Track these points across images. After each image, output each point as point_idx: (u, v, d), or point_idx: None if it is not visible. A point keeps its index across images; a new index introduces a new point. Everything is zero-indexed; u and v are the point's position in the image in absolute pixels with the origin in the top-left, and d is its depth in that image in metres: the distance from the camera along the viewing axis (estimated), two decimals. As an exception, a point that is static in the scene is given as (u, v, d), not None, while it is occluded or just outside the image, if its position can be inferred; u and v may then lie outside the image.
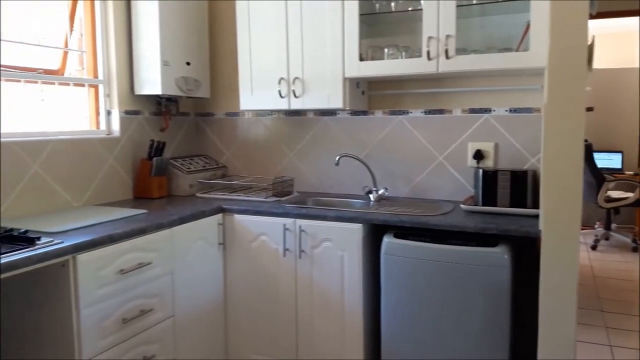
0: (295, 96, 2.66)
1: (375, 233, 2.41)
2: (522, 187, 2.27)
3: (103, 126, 2.75)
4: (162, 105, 3.00)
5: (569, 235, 1.84)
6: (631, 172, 6.05)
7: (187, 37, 2.89)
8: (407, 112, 2.76)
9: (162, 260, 2.20)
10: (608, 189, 5.12)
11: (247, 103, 2.79)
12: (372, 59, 2.60)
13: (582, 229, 1.78)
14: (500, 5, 2.34)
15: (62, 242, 1.78)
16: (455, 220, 2.16)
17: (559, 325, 1.88)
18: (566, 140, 1.82)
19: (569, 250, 1.85)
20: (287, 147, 3.08)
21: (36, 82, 2.40)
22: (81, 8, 2.66)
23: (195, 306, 2.42)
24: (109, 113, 2.76)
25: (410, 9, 2.48)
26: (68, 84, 2.58)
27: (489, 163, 2.58)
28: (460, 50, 2.37)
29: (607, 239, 5.63)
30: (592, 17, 1.88)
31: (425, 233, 2.21)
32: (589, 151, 4.92)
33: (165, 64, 2.74)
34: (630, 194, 5.21)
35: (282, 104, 2.69)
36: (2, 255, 1.59)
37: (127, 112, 2.81)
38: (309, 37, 2.59)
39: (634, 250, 5.33)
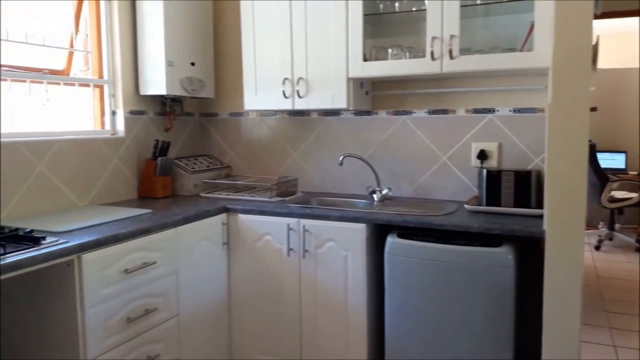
0: (299, 96, 2.66)
1: (379, 233, 2.41)
2: (526, 187, 2.27)
3: (108, 126, 2.76)
4: (166, 106, 3.01)
5: (573, 236, 1.84)
6: (635, 172, 6.04)
7: (191, 37, 2.90)
8: (411, 112, 2.76)
9: (166, 260, 2.21)
10: (612, 189, 5.12)
11: (251, 103, 2.80)
12: (376, 59, 2.60)
13: (586, 229, 1.78)
14: (505, 5, 2.34)
15: (67, 242, 1.78)
16: (459, 220, 2.16)
17: (564, 326, 1.87)
18: (570, 141, 1.82)
19: (573, 251, 1.84)
20: (291, 147, 3.08)
21: (42, 83, 2.41)
22: (86, 8, 2.67)
23: (199, 306, 2.42)
24: (113, 113, 2.77)
25: (414, 9, 2.48)
26: (73, 84, 2.59)
27: (492, 163, 2.58)
28: (464, 51, 2.37)
29: (610, 239, 5.62)
30: (596, 17, 1.88)
31: (429, 233, 2.21)
32: (592, 151, 4.91)
33: (170, 64, 2.75)
34: (633, 194, 5.20)
35: (286, 104, 2.70)
36: (7, 255, 1.60)
37: (132, 112, 2.82)
38: (313, 37, 2.59)
39: (638, 250, 5.31)
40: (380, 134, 2.84)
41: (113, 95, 2.77)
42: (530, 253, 2.30)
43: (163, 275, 2.19)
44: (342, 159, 2.71)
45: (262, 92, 2.76)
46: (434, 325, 2.18)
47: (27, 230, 1.87)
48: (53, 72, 2.49)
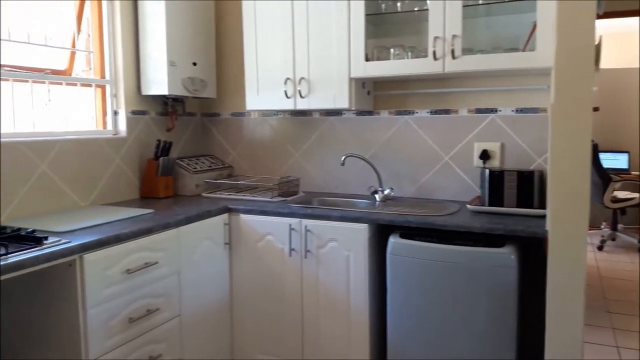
0: (301, 96, 2.66)
1: (381, 233, 2.41)
2: (529, 187, 2.26)
3: (110, 126, 2.76)
4: (168, 106, 3.01)
5: (576, 236, 1.83)
6: (637, 173, 6.02)
7: (193, 37, 2.90)
8: (413, 112, 2.76)
9: (168, 260, 2.21)
10: (614, 190, 5.10)
11: (253, 103, 2.79)
12: (378, 59, 2.60)
13: (589, 230, 1.77)
14: (507, 5, 2.33)
15: (69, 242, 1.78)
16: (461, 220, 2.15)
17: (566, 326, 1.87)
18: (573, 141, 1.81)
19: (576, 251, 1.84)
20: (292, 147, 3.08)
21: (44, 83, 2.42)
22: (88, 8, 2.67)
23: (201, 306, 2.42)
24: (115, 113, 2.78)
25: (416, 9, 2.47)
26: (75, 84, 2.59)
27: (495, 163, 2.57)
28: (467, 51, 2.36)
29: (613, 239, 5.60)
30: (599, 17, 1.88)
31: (431, 233, 2.20)
32: (595, 151, 4.90)
33: (171, 64, 2.75)
34: (636, 195, 5.19)
35: (288, 104, 2.70)
36: (9, 255, 1.60)
37: (134, 112, 2.82)
38: (315, 37, 2.59)
39: (641, 250, 5.30)
40: (382, 134, 2.83)
41: (115, 95, 2.77)
42: (533, 253, 2.30)
43: (165, 275, 2.19)
44: (344, 159, 2.71)
45: (264, 92, 2.76)
46: (436, 325, 2.18)
47: (29, 230, 1.87)
48: (55, 72, 2.49)
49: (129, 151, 2.78)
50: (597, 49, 1.86)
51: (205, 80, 3.01)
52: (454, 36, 2.28)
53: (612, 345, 3.10)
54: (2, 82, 2.24)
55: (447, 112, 2.68)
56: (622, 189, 5.45)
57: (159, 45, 2.73)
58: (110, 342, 1.92)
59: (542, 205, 2.24)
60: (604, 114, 6.35)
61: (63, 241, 1.79)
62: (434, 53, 2.32)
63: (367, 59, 2.50)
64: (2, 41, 2.23)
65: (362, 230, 2.30)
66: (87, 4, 2.66)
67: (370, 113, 2.86)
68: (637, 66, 6.24)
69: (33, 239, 1.75)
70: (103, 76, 2.74)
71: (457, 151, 2.66)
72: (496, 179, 2.31)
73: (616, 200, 5.12)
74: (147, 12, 2.75)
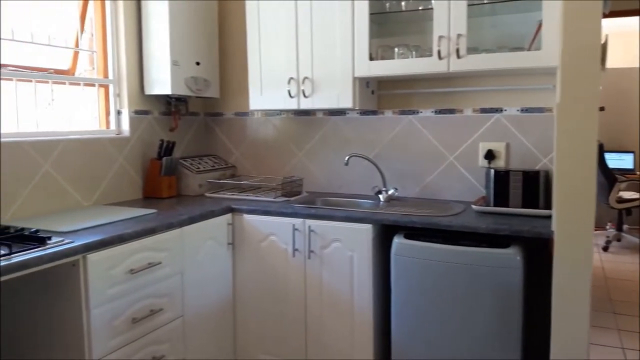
0: (304, 96, 2.65)
1: (385, 233, 2.40)
2: (534, 187, 2.24)
3: (113, 126, 2.76)
4: (171, 105, 3.00)
5: (582, 236, 1.82)
6: (643, 173, 5.99)
7: (196, 37, 2.89)
8: (417, 112, 2.74)
9: (171, 260, 2.20)
10: (620, 190, 5.07)
11: (257, 103, 2.79)
12: (382, 58, 2.59)
13: (594, 230, 1.76)
14: (512, 4, 2.32)
15: (72, 242, 1.78)
16: (466, 221, 2.14)
17: (572, 327, 1.85)
18: (579, 140, 1.80)
19: (583, 252, 1.82)
20: (296, 147, 3.07)
21: (47, 82, 2.41)
22: (92, 8, 2.67)
23: (204, 306, 2.41)
24: (119, 113, 2.77)
25: (420, 8, 2.46)
26: (79, 84, 2.59)
27: (500, 163, 2.55)
28: (472, 50, 2.35)
29: (618, 240, 5.58)
30: (605, 16, 1.86)
31: (435, 234, 2.19)
32: (600, 151, 4.88)
33: (175, 63, 2.74)
34: (642, 195, 5.16)
35: (292, 104, 2.69)
36: (13, 255, 1.60)
37: (137, 112, 2.81)
38: (319, 36, 2.58)
39: (646, 251, 5.27)
40: (386, 134, 2.82)
41: (118, 95, 2.77)
42: (538, 254, 2.28)
43: (168, 275, 2.18)
44: (348, 158, 2.70)
45: (267, 91, 2.75)
46: (441, 326, 2.16)
47: (32, 230, 1.87)
48: (58, 72, 2.49)
49: (132, 151, 2.78)
50: (603, 48, 1.85)
51: (209, 80, 3.00)
52: (458, 35, 2.26)
53: (618, 347, 3.08)
54: (6, 81, 2.24)
55: (451, 111, 2.67)
56: (627, 189, 5.43)
57: (162, 45, 2.73)
58: (114, 342, 1.91)
59: (548, 206, 2.22)
60: (610, 114, 6.32)
61: (66, 241, 1.79)
62: (439, 52, 2.31)
63: (371, 59, 2.49)
64: (6, 41, 2.23)
65: (366, 231, 2.29)
66: (91, 4, 2.66)
67: (374, 113, 2.84)
68: (637, 66, 6.21)
69: (36, 239, 1.75)
70: (106, 76, 2.73)
71: (462, 151, 2.65)
72: (501, 179, 2.29)
73: (621, 200, 5.09)
74: (151, 12, 2.75)
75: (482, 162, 2.59)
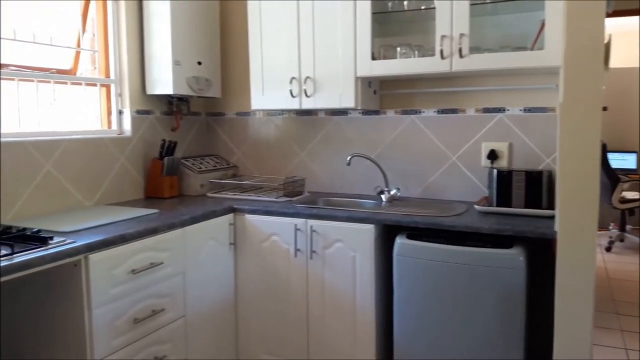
0: (306, 96, 2.64)
1: (387, 234, 2.39)
2: (537, 187, 2.24)
3: (115, 126, 2.76)
4: (173, 105, 3.00)
5: (586, 237, 1.81)
6: (646, 173, 5.97)
7: (198, 36, 2.89)
8: (420, 112, 2.74)
9: (173, 260, 2.20)
10: (622, 190, 5.06)
11: (258, 103, 2.78)
12: (385, 58, 2.58)
13: (597, 231, 1.76)
14: (515, 3, 2.31)
15: (74, 242, 1.78)
16: (469, 221, 2.13)
17: (575, 328, 1.84)
18: (582, 140, 1.79)
19: (586, 252, 1.81)
20: (298, 146, 3.07)
21: (49, 82, 2.41)
22: (93, 8, 2.67)
23: (206, 306, 2.41)
24: (120, 113, 2.77)
25: (423, 7, 2.45)
26: (80, 84, 2.58)
27: (503, 163, 2.55)
28: (474, 49, 2.34)
29: (621, 240, 5.56)
30: (608, 15, 1.85)
31: (438, 234, 2.18)
32: (603, 151, 4.86)
33: (176, 63, 2.74)
34: (645, 195, 5.14)
35: (294, 104, 2.68)
36: (15, 255, 1.60)
37: (139, 112, 2.81)
38: (321, 36, 2.58)
39: (649, 251, 5.26)
40: (389, 134, 2.81)
41: (120, 95, 2.76)
42: (541, 254, 2.27)
43: (170, 275, 2.18)
44: (350, 158, 2.69)
45: (269, 91, 2.74)
46: (443, 326, 2.16)
47: (34, 230, 1.87)
48: (60, 72, 2.49)
49: (134, 151, 2.78)
50: (607, 47, 1.84)
51: (210, 80, 3.00)
52: (461, 35, 2.26)
53: (621, 348, 3.07)
54: (8, 81, 2.23)
55: (454, 111, 2.66)
56: (630, 189, 5.41)
57: (163, 45, 2.72)
58: (116, 343, 1.91)
59: (551, 206, 2.21)
60: (612, 114, 6.30)
61: (68, 241, 1.78)
62: (441, 52, 2.30)
63: (373, 58, 2.48)
64: (8, 41, 2.23)
65: (368, 231, 2.28)
66: (92, 4, 2.66)
67: (376, 112, 2.84)
68: (637, 66, 6.19)
69: (38, 239, 1.75)
70: (108, 75, 2.73)
71: (465, 151, 2.64)
72: (504, 179, 2.29)
73: (624, 200, 5.08)
74: (152, 12, 2.74)
75: (485, 162, 2.58)
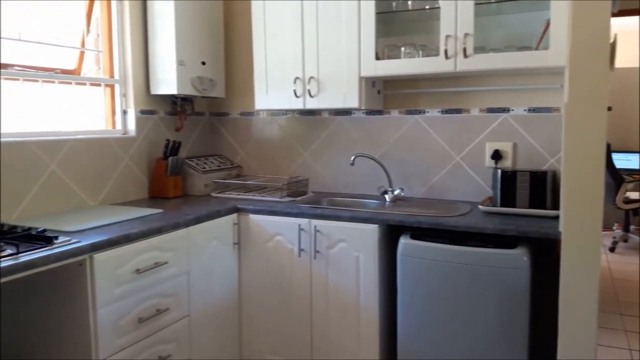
0: (310, 96, 2.64)
1: (391, 234, 2.39)
2: (542, 187, 2.23)
3: (119, 126, 2.76)
4: (177, 105, 3.00)
5: (590, 237, 1.81)
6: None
7: (202, 36, 2.89)
8: (424, 112, 2.73)
9: (177, 259, 2.20)
10: (627, 190, 5.04)
11: (262, 103, 2.78)
12: (389, 58, 2.58)
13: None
14: (520, 3, 2.30)
15: (79, 242, 1.78)
16: (473, 221, 2.13)
17: (580, 329, 1.84)
18: (587, 141, 1.79)
19: (590, 253, 1.81)
20: (301, 146, 3.07)
21: (53, 82, 2.42)
22: (98, 8, 2.67)
23: (210, 306, 2.41)
24: (124, 113, 2.78)
25: (427, 7, 2.45)
26: (84, 84, 2.59)
27: (507, 163, 2.54)
28: (479, 49, 2.33)
29: (625, 240, 5.54)
30: (613, 15, 1.85)
31: (442, 234, 2.18)
32: (608, 151, 4.84)
33: (180, 63, 2.74)
34: (648, 195, 5.13)
35: (298, 104, 2.68)
36: (20, 254, 1.60)
37: (143, 112, 2.82)
38: (325, 36, 2.57)
39: (653, 252, 5.24)
40: (392, 134, 2.81)
41: (124, 95, 2.77)
42: (545, 255, 2.27)
43: (174, 275, 2.18)
44: (354, 158, 2.69)
45: (273, 91, 2.75)
46: (447, 326, 2.15)
47: (39, 229, 1.87)
48: (64, 72, 2.50)
49: (138, 151, 2.78)
50: (612, 47, 1.83)
51: (214, 80, 3.00)
52: (465, 34, 2.25)
53: (625, 348, 3.07)
54: (13, 81, 2.24)
55: (458, 111, 2.66)
56: (634, 189, 5.39)
57: (168, 45, 2.73)
58: (120, 342, 1.91)
59: (555, 206, 2.21)
60: (616, 114, 6.28)
61: (73, 241, 1.79)
62: (446, 52, 2.30)
63: (377, 58, 2.48)
64: (12, 41, 2.24)
65: (372, 231, 2.28)
66: (97, 4, 2.66)
67: (380, 112, 2.84)
68: (638, 66, 6.17)
69: (43, 239, 1.75)
70: (112, 76, 2.74)
71: (469, 151, 2.64)
72: (508, 180, 2.28)
73: (628, 201, 5.06)
74: (156, 12, 2.75)
75: (489, 162, 2.58)
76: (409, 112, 2.76)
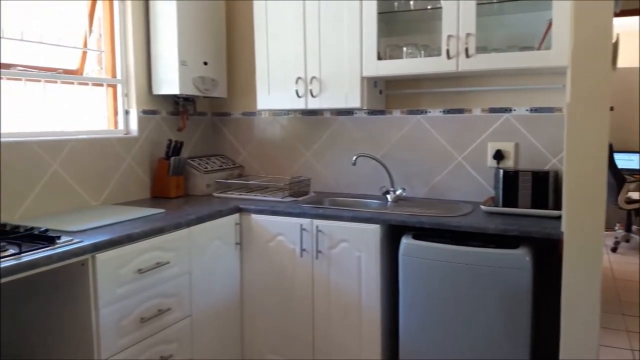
0: (312, 96, 2.64)
1: (393, 234, 2.39)
2: (544, 188, 2.23)
3: (121, 126, 2.77)
4: (179, 105, 3.01)
5: (593, 237, 1.80)
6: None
7: (204, 37, 2.89)
8: (426, 112, 2.73)
9: (179, 259, 2.20)
10: (629, 190, 5.04)
11: (264, 103, 2.78)
12: (391, 57, 2.58)
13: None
14: (522, 3, 2.30)
15: (81, 241, 1.78)
16: (475, 221, 2.13)
17: (582, 329, 1.84)
18: (590, 141, 1.78)
19: (593, 253, 1.81)
20: (303, 146, 3.07)
21: (56, 82, 2.42)
22: (100, 8, 2.67)
23: (212, 306, 2.42)
24: (127, 113, 2.78)
25: (429, 7, 2.45)
26: (87, 84, 2.59)
27: (509, 163, 2.54)
28: (481, 49, 2.33)
29: (627, 240, 5.53)
30: (615, 15, 1.84)
31: (443, 234, 2.18)
32: (610, 152, 4.84)
33: (182, 63, 2.74)
34: (650, 195, 5.12)
35: (299, 104, 2.68)
36: (23, 254, 1.61)
37: (145, 112, 2.82)
38: (327, 36, 2.58)
39: (655, 252, 5.23)
40: (394, 134, 2.81)
41: (126, 95, 2.77)
42: (547, 255, 2.27)
43: (176, 275, 2.19)
44: (356, 158, 2.69)
45: (274, 91, 2.75)
46: (449, 326, 2.15)
47: (42, 229, 1.87)
48: (67, 72, 2.50)
49: (140, 151, 2.79)
50: (615, 47, 1.83)
51: (216, 80, 3.00)
52: (467, 34, 2.25)
53: (627, 348, 3.06)
54: (15, 81, 2.25)
55: (460, 111, 2.65)
56: (636, 189, 5.38)
57: (170, 45, 2.73)
58: (122, 342, 1.92)
59: (557, 206, 2.21)
60: (617, 114, 6.27)
61: (75, 240, 1.79)
62: (448, 52, 2.30)
63: (379, 58, 2.48)
64: (15, 41, 2.24)
65: (373, 231, 2.28)
66: (99, 4, 2.67)
67: (382, 112, 2.84)
68: (638, 66, 6.15)
69: (46, 238, 1.76)
70: (114, 76, 2.74)
71: (471, 151, 2.64)
72: (510, 180, 2.28)
73: (630, 201, 5.05)
74: (159, 12, 2.75)
75: (491, 162, 2.58)
76: (411, 112, 2.76)
